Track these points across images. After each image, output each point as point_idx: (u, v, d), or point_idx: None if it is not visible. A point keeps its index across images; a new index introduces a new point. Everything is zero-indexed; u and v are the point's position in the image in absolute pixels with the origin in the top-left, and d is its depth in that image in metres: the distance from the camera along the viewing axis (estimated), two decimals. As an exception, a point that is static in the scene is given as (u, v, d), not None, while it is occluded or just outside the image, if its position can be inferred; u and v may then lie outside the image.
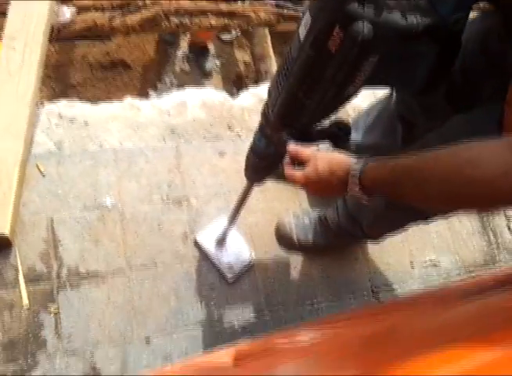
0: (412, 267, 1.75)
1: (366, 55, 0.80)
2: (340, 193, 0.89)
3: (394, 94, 1.39)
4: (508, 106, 0.84)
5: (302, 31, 0.83)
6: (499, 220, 1.91)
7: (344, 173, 0.84)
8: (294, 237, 1.58)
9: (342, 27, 0.77)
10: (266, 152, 1.07)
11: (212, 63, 3.37)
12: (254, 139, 1.09)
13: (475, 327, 0.60)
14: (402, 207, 1.13)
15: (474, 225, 1.87)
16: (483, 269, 1.80)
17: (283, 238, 1.60)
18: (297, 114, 0.94)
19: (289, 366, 0.75)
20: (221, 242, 1.53)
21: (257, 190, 1.60)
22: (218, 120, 1.72)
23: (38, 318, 1.38)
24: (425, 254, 1.77)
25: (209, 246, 1.54)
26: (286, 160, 0.99)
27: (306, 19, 0.82)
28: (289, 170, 0.96)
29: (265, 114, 1.01)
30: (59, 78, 3.15)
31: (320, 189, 0.92)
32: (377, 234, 1.50)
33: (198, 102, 1.74)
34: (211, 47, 3.40)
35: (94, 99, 2.77)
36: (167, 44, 3.44)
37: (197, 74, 3.44)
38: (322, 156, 0.90)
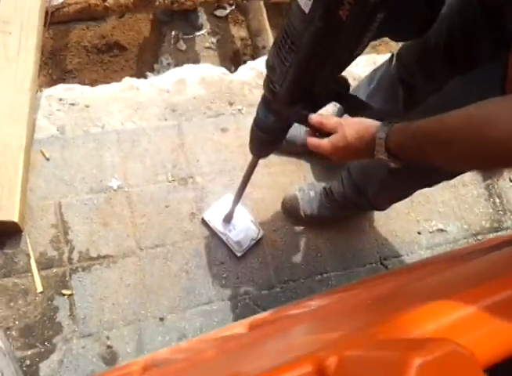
0: (420, 236, 1.75)
1: (376, 15, 0.79)
2: (368, 158, 0.88)
3: (395, 59, 1.38)
4: None
5: (305, 3, 0.80)
6: (504, 184, 1.90)
7: (371, 138, 0.84)
8: (300, 210, 1.58)
9: None
10: (272, 126, 1.06)
11: (202, 18, 3.35)
12: (259, 114, 1.07)
13: (475, 280, 0.61)
14: (406, 174, 1.13)
15: (479, 191, 1.87)
16: (490, 233, 1.81)
17: (290, 212, 1.60)
18: (309, 86, 0.92)
19: (303, 327, 0.75)
20: (228, 218, 1.53)
21: (261, 165, 1.60)
22: (218, 96, 1.71)
23: (53, 302, 1.39)
24: (432, 222, 1.78)
25: (216, 223, 1.54)
26: (308, 131, 0.98)
27: None
28: (313, 141, 0.95)
29: (271, 91, 0.97)
30: (56, 64, 3.12)
31: (347, 155, 0.92)
32: (383, 203, 1.50)
33: (197, 78, 1.73)
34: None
35: (92, 83, 2.75)
36: (162, 23, 3.40)
37: (194, 53, 3.42)
38: (349, 122, 0.90)
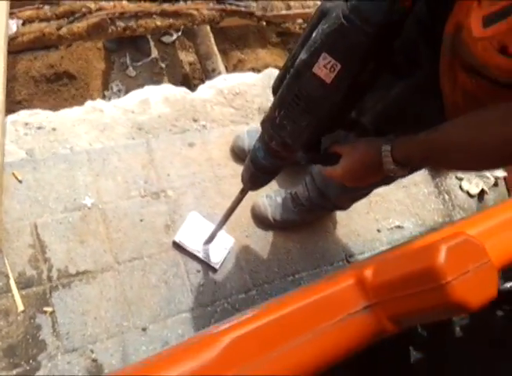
0: (380, 233, 1.88)
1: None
2: (378, 176, 0.96)
3: None
4: (443, 75, 0.93)
5: (326, 74, 0.84)
6: (451, 182, 2.07)
7: (377, 155, 0.92)
8: (270, 216, 1.67)
9: (377, 60, 0.85)
10: (272, 168, 1.14)
11: (150, 44, 3.42)
12: (259, 158, 1.11)
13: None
14: None
15: (429, 189, 2.03)
16: (443, 227, 1.96)
17: (259, 218, 1.69)
18: (326, 134, 1.00)
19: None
20: (208, 241, 1.59)
21: (229, 176, 1.69)
22: (183, 113, 1.79)
23: (35, 320, 1.40)
24: (389, 220, 1.91)
25: (188, 242, 1.59)
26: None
27: (327, 63, 0.83)
28: (328, 170, 1.03)
29: (282, 144, 1.03)
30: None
31: (359, 176, 0.99)
32: (345, 202, 1.61)
33: (160, 98, 1.80)
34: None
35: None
36: (111, 51, 3.45)
37: (144, 79, 3.47)
38: (354, 146, 0.99)
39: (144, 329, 1.48)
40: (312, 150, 1.02)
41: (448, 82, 0.92)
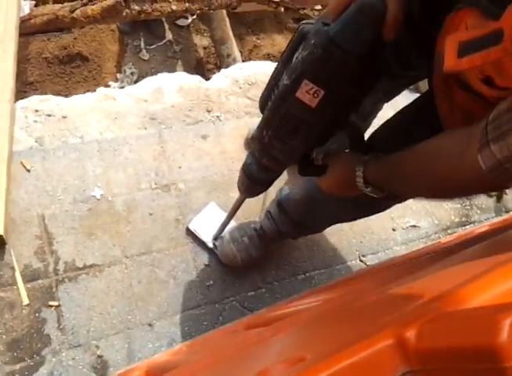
0: (395, 232, 1.82)
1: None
2: (352, 191, 0.95)
3: None
4: (438, 94, 0.85)
5: (310, 99, 0.83)
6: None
7: (353, 173, 0.91)
8: (240, 261, 1.53)
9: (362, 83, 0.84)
10: (264, 179, 1.16)
11: (164, 27, 3.37)
12: (251, 170, 1.13)
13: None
14: (353, 208, 1.24)
15: (447, 187, 1.96)
16: (459, 227, 1.90)
17: (232, 266, 1.55)
18: (317, 147, 1.01)
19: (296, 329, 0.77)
20: (216, 237, 1.55)
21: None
22: (196, 103, 1.74)
23: (40, 314, 1.38)
24: (405, 219, 1.85)
25: (202, 232, 1.56)
26: None
27: (310, 89, 0.82)
28: (318, 180, 1.05)
29: (273, 160, 1.04)
30: (16, 77, 3.06)
31: (343, 189, 0.99)
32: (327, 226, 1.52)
33: (174, 87, 1.75)
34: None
35: (55, 95, 2.70)
36: (124, 33, 3.40)
37: (157, 62, 3.42)
38: (338, 158, 0.99)
39: (151, 325, 1.45)
40: (303, 163, 1.03)
41: (444, 102, 0.85)
